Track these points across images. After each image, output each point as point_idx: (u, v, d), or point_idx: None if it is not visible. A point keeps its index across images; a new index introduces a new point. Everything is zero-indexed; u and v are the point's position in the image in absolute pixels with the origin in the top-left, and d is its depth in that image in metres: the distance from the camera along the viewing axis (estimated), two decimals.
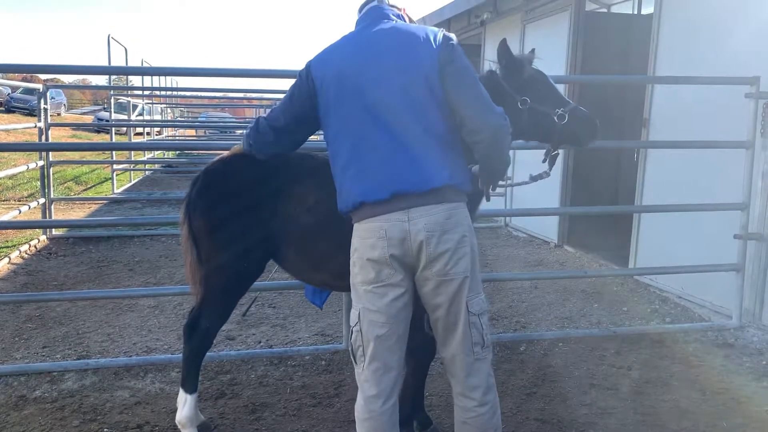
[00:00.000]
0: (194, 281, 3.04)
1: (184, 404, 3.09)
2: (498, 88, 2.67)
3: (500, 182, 2.63)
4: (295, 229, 2.84)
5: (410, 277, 2.35)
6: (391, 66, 2.32)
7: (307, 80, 2.46)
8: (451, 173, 2.33)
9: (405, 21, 2.53)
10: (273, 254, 2.98)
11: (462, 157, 2.43)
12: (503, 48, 2.75)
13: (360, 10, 2.56)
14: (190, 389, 3.09)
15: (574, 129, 2.78)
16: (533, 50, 2.95)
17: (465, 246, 2.32)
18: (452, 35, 2.40)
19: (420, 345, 2.88)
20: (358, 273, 2.37)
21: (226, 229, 2.89)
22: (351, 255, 2.42)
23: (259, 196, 2.85)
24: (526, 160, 6.46)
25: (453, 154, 2.37)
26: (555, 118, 2.73)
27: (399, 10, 2.56)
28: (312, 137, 2.90)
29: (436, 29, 2.41)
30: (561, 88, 7.24)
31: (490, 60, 2.91)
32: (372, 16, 2.47)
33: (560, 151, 2.94)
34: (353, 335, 2.39)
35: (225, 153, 3.01)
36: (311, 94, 2.46)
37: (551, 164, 2.92)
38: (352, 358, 2.43)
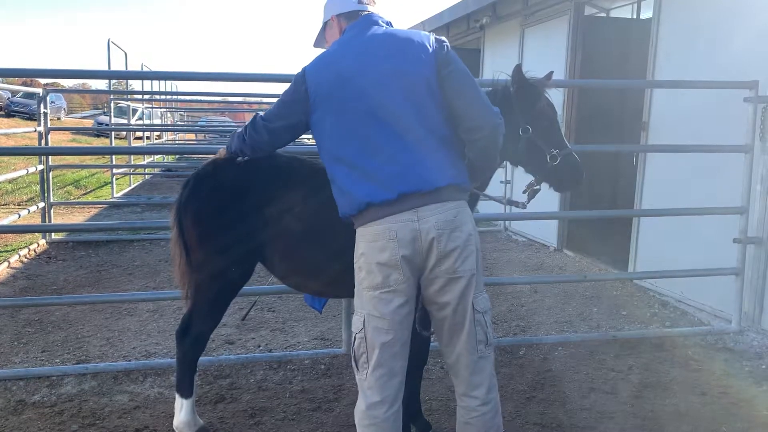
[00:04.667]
0: (184, 284, 3.04)
1: (181, 409, 3.10)
2: (507, 106, 2.68)
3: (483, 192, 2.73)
4: (282, 235, 2.83)
5: (415, 283, 2.36)
6: (391, 70, 2.34)
7: (302, 86, 2.45)
8: (455, 172, 2.37)
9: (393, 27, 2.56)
10: (262, 260, 2.97)
11: (462, 156, 2.47)
12: (517, 74, 2.78)
13: (340, 14, 2.57)
14: (185, 394, 3.09)
15: (560, 173, 2.84)
16: (551, 73, 2.96)
17: (471, 244, 2.35)
18: (444, 38, 2.46)
19: (413, 349, 2.88)
20: (364, 278, 2.36)
21: (216, 232, 2.88)
22: (356, 260, 2.41)
23: (249, 200, 2.83)
24: None
25: (455, 154, 2.42)
26: (548, 157, 2.78)
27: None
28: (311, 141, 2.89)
29: (427, 33, 2.46)
30: (560, 92, 7.33)
31: (505, 73, 2.92)
32: (363, 23, 2.50)
33: (541, 188, 2.96)
34: (356, 341, 2.38)
35: (215, 156, 2.97)
36: (304, 101, 2.45)
37: (530, 197, 2.97)
38: (353, 364, 2.42)
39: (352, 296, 2.48)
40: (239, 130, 2.82)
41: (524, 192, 2.96)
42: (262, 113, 2.72)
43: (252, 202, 2.83)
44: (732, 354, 4.51)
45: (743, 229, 4.75)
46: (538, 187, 2.93)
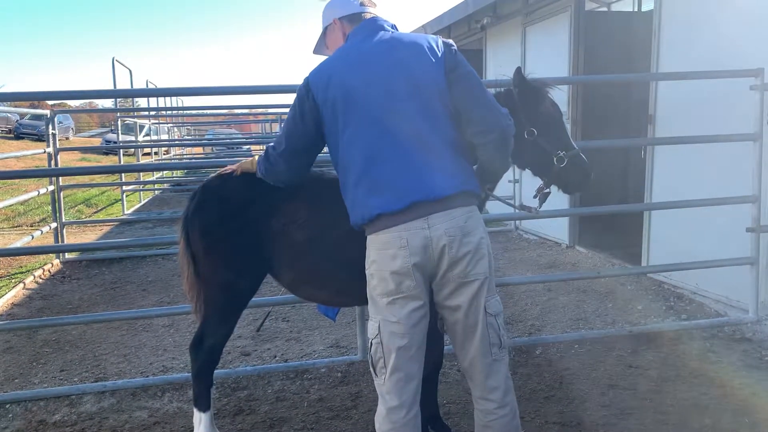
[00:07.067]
0: (193, 296, 3.05)
1: (200, 423, 3.11)
2: (511, 109, 2.65)
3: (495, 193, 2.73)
4: (289, 245, 2.82)
5: (428, 287, 2.36)
6: (398, 76, 2.32)
7: (308, 97, 2.42)
8: (465, 178, 2.36)
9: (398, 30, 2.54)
10: (270, 270, 2.97)
11: (471, 160, 2.46)
12: (518, 76, 2.77)
13: (343, 17, 2.56)
14: (203, 407, 3.10)
15: (567, 175, 2.82)
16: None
17: (483, 247, 2.35)
18: (451, 41, 2.44)
19: (428, 353, 2.88)
20: (377, 285, 2.36)
21: (223, 244, 2.88)
22: (367, 267, 2.41)
23: (255, 211, 2.83)
24: None
25: (464, 158, 2.41)
26: (555, 159, 2.76)
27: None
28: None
29: (435, 36, 2.44)
30: (565, 89, 7.31)
31: (506, 75, 2.91)
32: (368, 28, 2.47)
33: (551, 191, 2.93)
34: (373, 347, 2.38)
35: (224, 169, 2.99)
36: (314, 111, 2.42)
37: (541, 201, 2.94)
38: (371, 369, 2.42)
39: (362, 304, 2.48)
40: (258, 159, 2.75)
41: (535, 197, 2.93)
42: (272, 144, 2.65)
43: (257, 213, 2.83)
44: (750, 344, 4.47)
45: (756, 217, 4.71)
46: (548, 190, 2.90)
